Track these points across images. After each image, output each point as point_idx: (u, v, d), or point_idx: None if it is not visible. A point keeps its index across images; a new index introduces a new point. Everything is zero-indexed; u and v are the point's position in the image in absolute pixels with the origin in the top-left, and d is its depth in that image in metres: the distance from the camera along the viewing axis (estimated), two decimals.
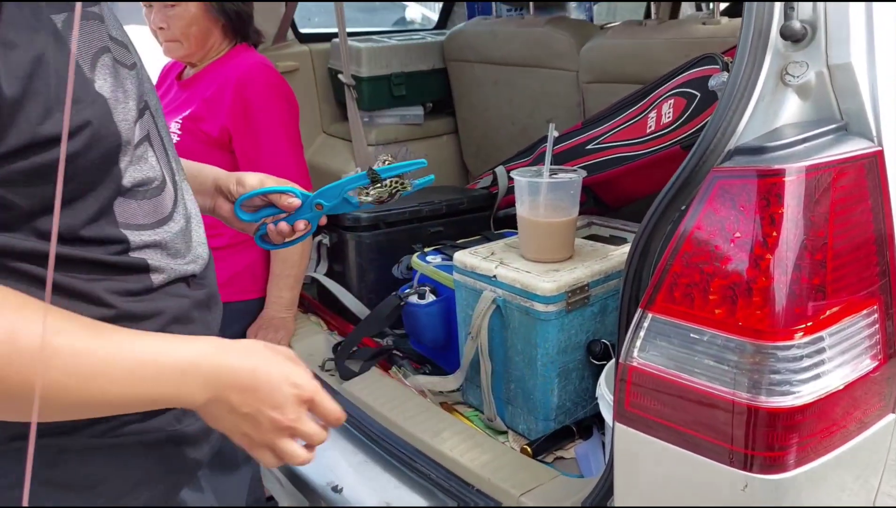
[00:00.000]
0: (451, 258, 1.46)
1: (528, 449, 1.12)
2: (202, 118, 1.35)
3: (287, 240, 0.86)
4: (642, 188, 1.28)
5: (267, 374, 0.57)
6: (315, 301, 1.71)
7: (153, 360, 0.54)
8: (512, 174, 1.18)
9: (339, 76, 1.92)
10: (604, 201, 1.38)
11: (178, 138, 1.36)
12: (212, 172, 0.88)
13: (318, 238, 1.65)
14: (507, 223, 1.73)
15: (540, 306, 1.10)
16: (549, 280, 1.10)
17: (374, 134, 2.04)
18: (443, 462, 1.07)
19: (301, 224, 0.84)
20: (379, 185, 0.87)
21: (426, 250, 1.53)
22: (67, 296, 0.57)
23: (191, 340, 0.58)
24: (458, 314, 1.28)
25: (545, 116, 1.84)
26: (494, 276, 1.16)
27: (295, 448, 0.59)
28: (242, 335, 1.53)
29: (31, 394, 0.48)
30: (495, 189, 1.75)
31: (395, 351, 1.43)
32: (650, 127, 1.12)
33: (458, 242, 1.55)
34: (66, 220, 0.55)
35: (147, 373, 0.54)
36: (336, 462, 1.18)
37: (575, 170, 1.15)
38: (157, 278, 0.62)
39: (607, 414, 0.99)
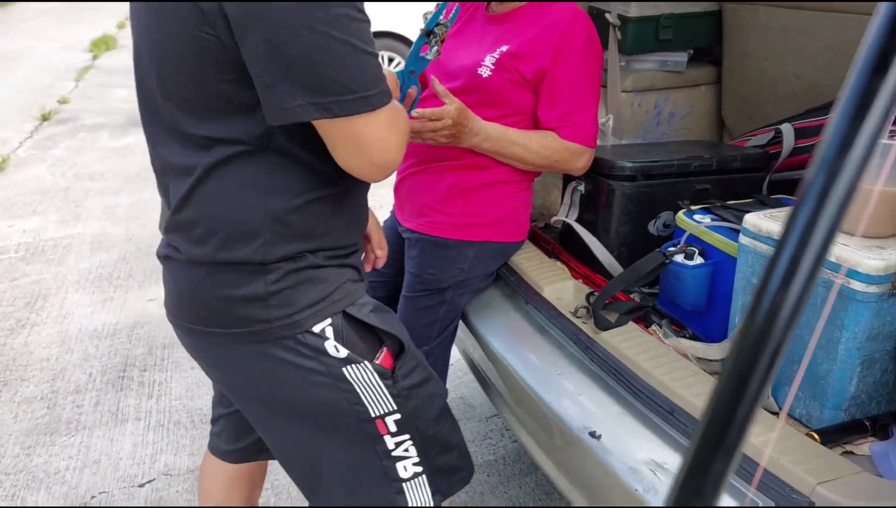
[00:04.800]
0: (722, 219, 1.37)
1: (815, 436, 1.02)
2: (522, 56, 1.35)
3: (408, 108, 1.24)
4: None
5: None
6: (559, 246, 1.70)
7: None
8: None
9: (606, 15, 1.84)
10: None
11: (491, 73, 1.38)
12: None
13: (572, 183, 1.63)
14: (783, 188, 1.56)
15: (859, 286, 0.97)
16: (875, 257, 0.96)
17: (630, 80, 1.94)
18: None
19: (412, 90, 1.23)
20: (434, 37, 1.20)
21: (692, 207, 1.44)
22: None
23: None
24: (737, 282, 1.19)
25: (845, 71, 1.60)
26: None
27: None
28: (496, 271, 1.57)
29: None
30: (773, 149, 1.58)
31: (654, 309, 1.38)
32: None
33: (729, 203, 1.44)
34: None
35: None
36: (592, 410, 1.18)
37: None
38: None
39: None
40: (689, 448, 0.33)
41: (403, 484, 1.00)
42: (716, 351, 1.23)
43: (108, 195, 3.94)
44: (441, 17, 1.22)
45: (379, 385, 0.95)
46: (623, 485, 1.03)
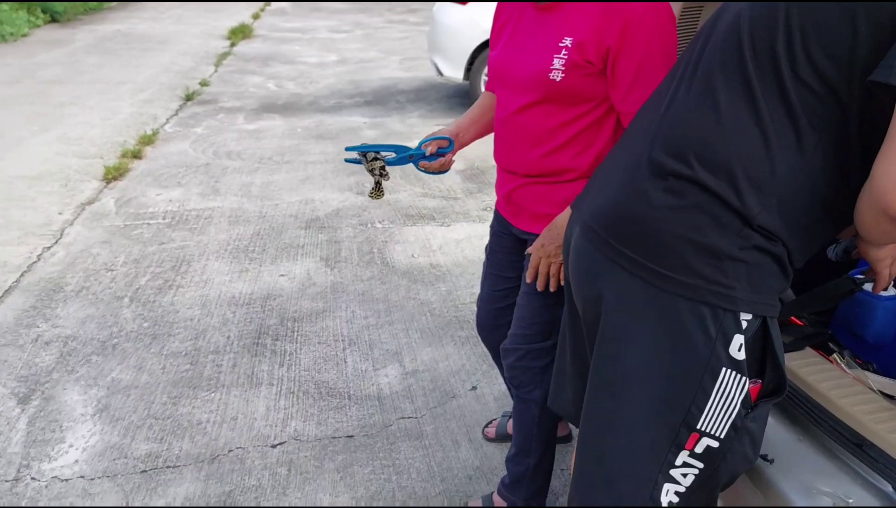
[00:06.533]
0: None
1: None
2: (588, 44, 1.26)
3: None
4: None
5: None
6: None
7: None
8: None
9: None
10: None
11: (563, 75, 1.29)
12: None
13: None
14: None
15: None
16: None
17: None
18: None
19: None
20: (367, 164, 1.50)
21: None
22: None
23: None
24: None
25: None
26: None
27: None
28: None
29: None
30: None
31: (833, 337, 1.31)
32: None
33: None
34: None
35: None
36: (767, 433, 1.13)
37: None
38: None
39: None
40: None
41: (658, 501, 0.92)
42: None
43: (244, 174, 4.20)
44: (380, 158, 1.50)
45: (732, 408, 0.86)
46: None
